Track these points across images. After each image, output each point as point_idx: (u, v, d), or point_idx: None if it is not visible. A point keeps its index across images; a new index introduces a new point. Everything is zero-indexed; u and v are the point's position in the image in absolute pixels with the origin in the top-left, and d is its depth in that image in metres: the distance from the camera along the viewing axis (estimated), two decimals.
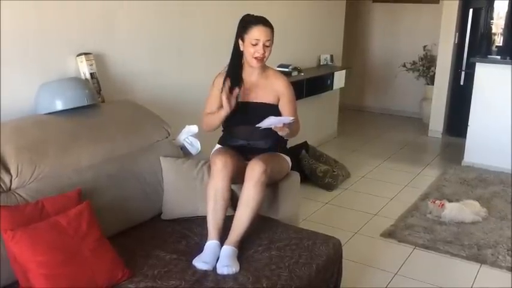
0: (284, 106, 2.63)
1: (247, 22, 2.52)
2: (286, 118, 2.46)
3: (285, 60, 4.52)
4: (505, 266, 3.10)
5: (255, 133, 2.56)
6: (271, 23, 2.54)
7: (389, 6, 7.15)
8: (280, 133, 2.47)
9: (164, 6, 3.20)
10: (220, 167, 2.33)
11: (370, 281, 2.96)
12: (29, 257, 1.76)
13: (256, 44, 2.48)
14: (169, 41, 3.31)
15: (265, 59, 2.54)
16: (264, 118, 2.43)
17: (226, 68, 2.62)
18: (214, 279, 2.00)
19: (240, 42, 2.54)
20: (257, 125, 2.42)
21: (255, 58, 2.50)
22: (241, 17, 2.56)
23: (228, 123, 2.64)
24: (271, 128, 2.54)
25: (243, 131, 2.60)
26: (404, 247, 3.35)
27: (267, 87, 2.61)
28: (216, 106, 2.62)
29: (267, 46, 2.50)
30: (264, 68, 2.64)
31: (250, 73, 2.61)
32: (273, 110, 2.61)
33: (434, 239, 3.41)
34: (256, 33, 2.47)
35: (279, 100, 2.63)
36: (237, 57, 2.59)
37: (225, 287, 1.95)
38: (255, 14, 2.56)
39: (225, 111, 2.49)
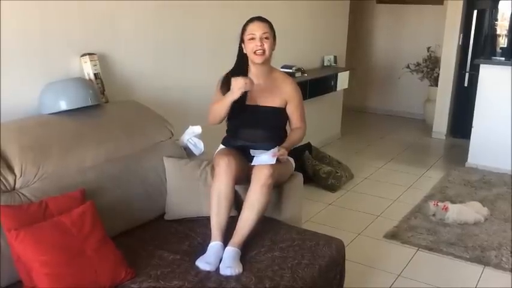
0: (292, 111, 2.66)
1: (244, 25, 2.57)
2: (273, 151, 2.42)
3: (288, 61, 4.52)
4: (508, 268, 3.09)
5: (259, 136, 2.56)
6: (276, 23, 2.55)
7: (393, 8, 7.14)
8: (282, 158, 2.48)
9: (168, 7, 3.20)
10: (224, 168, 2.33)
11: (373, 282, 2.95)
12: (33, 256, 1.76)
13: (253, 39, 2.50)
14: (173, 42, 3.32)
15: (266, 53, 2.54)
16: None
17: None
18: (217, 280, 1.99)
19: (243, 45, 2.57)
20: (252, 163, 2.42)
21: (255, 53, 2.52)
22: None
23: (234, 124, 2.65)
24: (274, 130, 2.57)
25: (248, 133, 2.60)
26: (407, 248, 3.34)
27: (275, 91, 2.62)
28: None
29: (266, 39, 2.52)
30: (270, 70, 2.65)
31: (257, 76, 2.60)
32: (280, 113, 2.63)
33: (437, 241, 3.40)
34: (252, 28, 2.52)
35: (286, 103, 2.64)
36: (241, 62, 2.61)
37: (227, 287, 1.95)
38: (257, 15, 2.59)
39: (235, 95, 2.42)
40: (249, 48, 2.53)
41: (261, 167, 2.34)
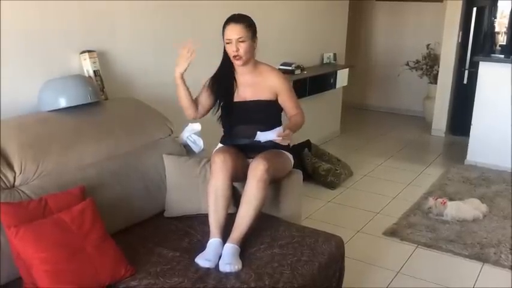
0: (285, 100, 2.65)
1: (224, 24, 2.53)
2: (278, 130, 2.42)
3: (288, 58, 4.52)
4: (507, 265, 3.10)
5: (255, 131, 2.55)
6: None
7: (392, 5, 7.13)
8: (285, 140, 2.45)
9: (167, 6, 3.20)
10: (220, 166, 2.34)
11: (373, 279, 2.96)
12: (32, 253, 1.77)
13: (230, 43, 2.49)
14: (173, 39, 3.31)
15: (243, 58, 2.51)
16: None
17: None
18: (216, 276, 2.00)
19: (225, 45, 2.56)
20: (256, 139, 2.43)
21: (234, 57, 2.51)
22: None
23: (227, 123, 2.65)
24: (269, 123, 2.57)
25: (244, 130, 2.59)
26: (406, 245, 3.35)
27: (262, 84, 2.61)
28: (200, 97, 2.68)
29: (241, 42, 2.47)
30: (254, 65, 2.63)
31: (243, 72, 2.61)
32: (271, 106, 2.62)
33: (436, 238, 3.41)
34: (228, 33, 2.50)
35: (276, 96, 2.64)
36: (226, 60, 2.60)
37: (227, 284, 1.95)
38: (234, 14, 2.55)
39: (180, 66, 2.53)
40: (228, 51, 2.52)
41: (257, 163, 2.34)
